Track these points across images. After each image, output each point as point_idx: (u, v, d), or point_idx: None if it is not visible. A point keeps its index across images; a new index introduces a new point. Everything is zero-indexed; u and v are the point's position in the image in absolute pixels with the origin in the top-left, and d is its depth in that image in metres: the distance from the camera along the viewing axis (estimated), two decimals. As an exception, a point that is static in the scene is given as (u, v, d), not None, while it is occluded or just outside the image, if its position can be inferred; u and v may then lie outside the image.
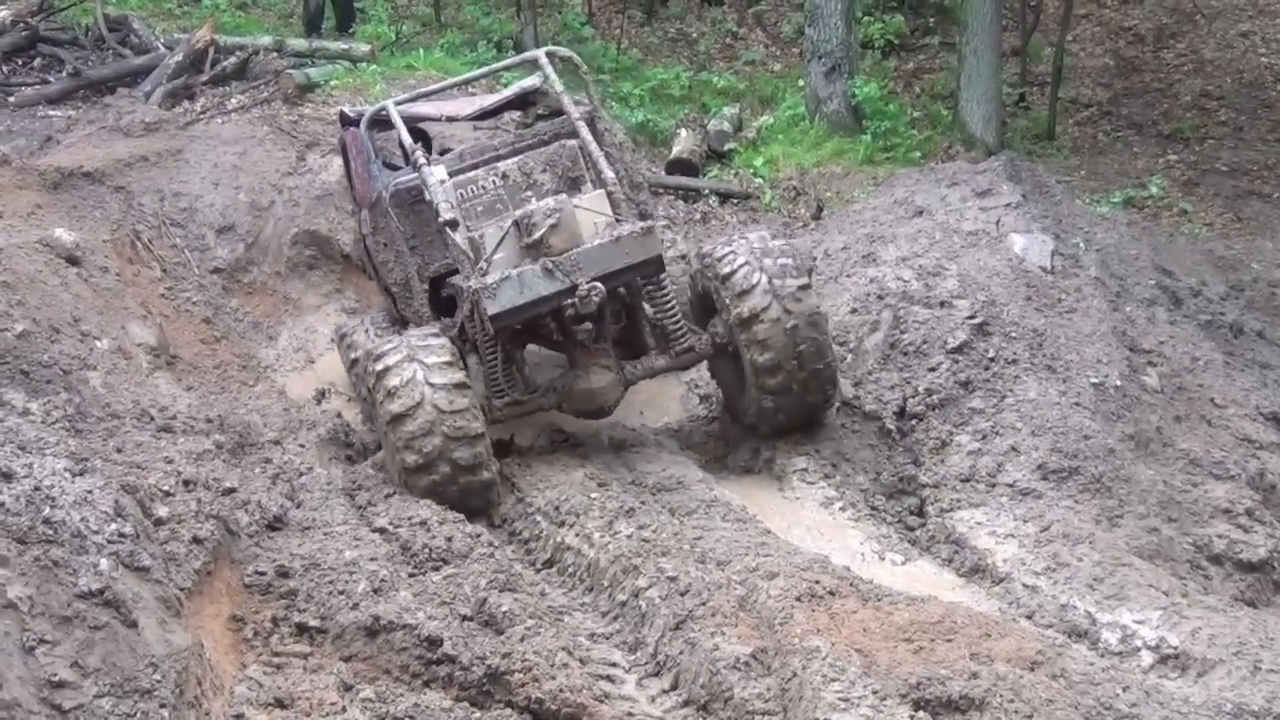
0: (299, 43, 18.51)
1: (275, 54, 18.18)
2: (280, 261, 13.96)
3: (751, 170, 16.97)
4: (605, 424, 10.76)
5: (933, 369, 10.58)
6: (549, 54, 11.31)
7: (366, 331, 11.55)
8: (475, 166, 10.71)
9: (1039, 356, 10.71)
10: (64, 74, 17.73)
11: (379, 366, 9.56)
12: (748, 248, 10.17)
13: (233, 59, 17.81)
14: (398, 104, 11.25)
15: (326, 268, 14.01)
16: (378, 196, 11.11)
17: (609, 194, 10.20)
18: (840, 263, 12.26)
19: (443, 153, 11.55)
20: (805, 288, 10.04)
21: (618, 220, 10.02)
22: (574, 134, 10.67)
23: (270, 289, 13.83)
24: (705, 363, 10.80)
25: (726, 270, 10.09)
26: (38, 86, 17.55)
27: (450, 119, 12.07)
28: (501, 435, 10.97)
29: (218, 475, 8.74)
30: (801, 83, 18.21)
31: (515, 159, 10.59)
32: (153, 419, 9.85)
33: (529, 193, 10.33)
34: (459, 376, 9.49)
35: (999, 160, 13.72)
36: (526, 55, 11.84)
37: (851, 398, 10.55)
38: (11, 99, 17.20)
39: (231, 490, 8.59)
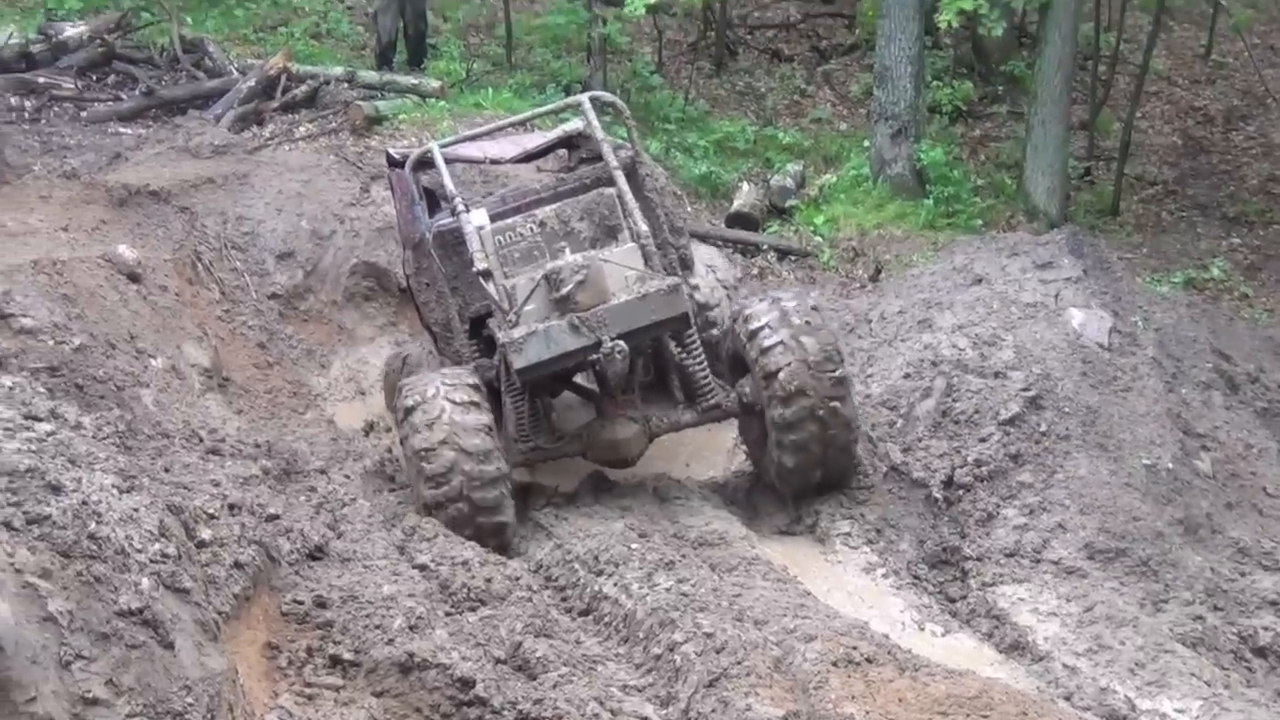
0: (370, 75, 18.64)
1: (346, 84, 18.32)
2: (337, 291, 14.04)
3: (812, 228, 16.96)
4: (649, 475, 10.75)
5: (983, 440, 10.52)
6: (593, 98, 11.45)
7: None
8: (515, 211, 10.81)
9: (1091, 434, 10.63)
10: (137, 92, 17.92)
11: (409, 401, 9.77)
12: (775, 307, 10.22)
13: (304, 87, 17.96)
14: (443, 146, 11.35)
15: (383, 300, 14.09)
16: (420, 237, 11.22)
17: (641, 247, 10.26)
18: (895, 326, 12.22)
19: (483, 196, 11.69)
20: (830, 348, 10.06)
21: (648, 273, 10.07)
22: (613, 181, 10.72)
23: (326, 318, 13.91)
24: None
25: (753, 328, 10.16)
26: (111, 103, 17.73)
27: (494, 161, 12.25)
28: (543, 481, 10.98)
29: (262, 501, 8.76)
30: (867, 143, 18.18)
31: (553, 206, 10.66)
32: (202, 440, 9.90)
33: (564, 242, 10.40)
34: (484, 420, 9.67)
35: (1061, 233, 13.65)
36: (571, 100, 11.94)
37: (899, 463, 10.50)
38: (84, 114, 17.38)
39: (275, 517, 8.61)
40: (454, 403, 9.67)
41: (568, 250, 10.22)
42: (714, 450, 11.55)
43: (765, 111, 20.47)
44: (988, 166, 18.66)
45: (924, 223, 16.70)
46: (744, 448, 10.99)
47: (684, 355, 10.49)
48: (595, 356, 9.81)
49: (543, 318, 9.84)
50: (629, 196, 10.57)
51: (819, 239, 16.67)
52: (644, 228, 10.37)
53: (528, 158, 12.30)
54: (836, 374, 10.01)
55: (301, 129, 17.21)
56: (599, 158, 11.19)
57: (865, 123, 18.99)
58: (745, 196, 17.25)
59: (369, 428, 12.06)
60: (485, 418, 9.69)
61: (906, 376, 11.23)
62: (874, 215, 16.92)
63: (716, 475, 11.23)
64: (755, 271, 15.75)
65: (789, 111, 20.80)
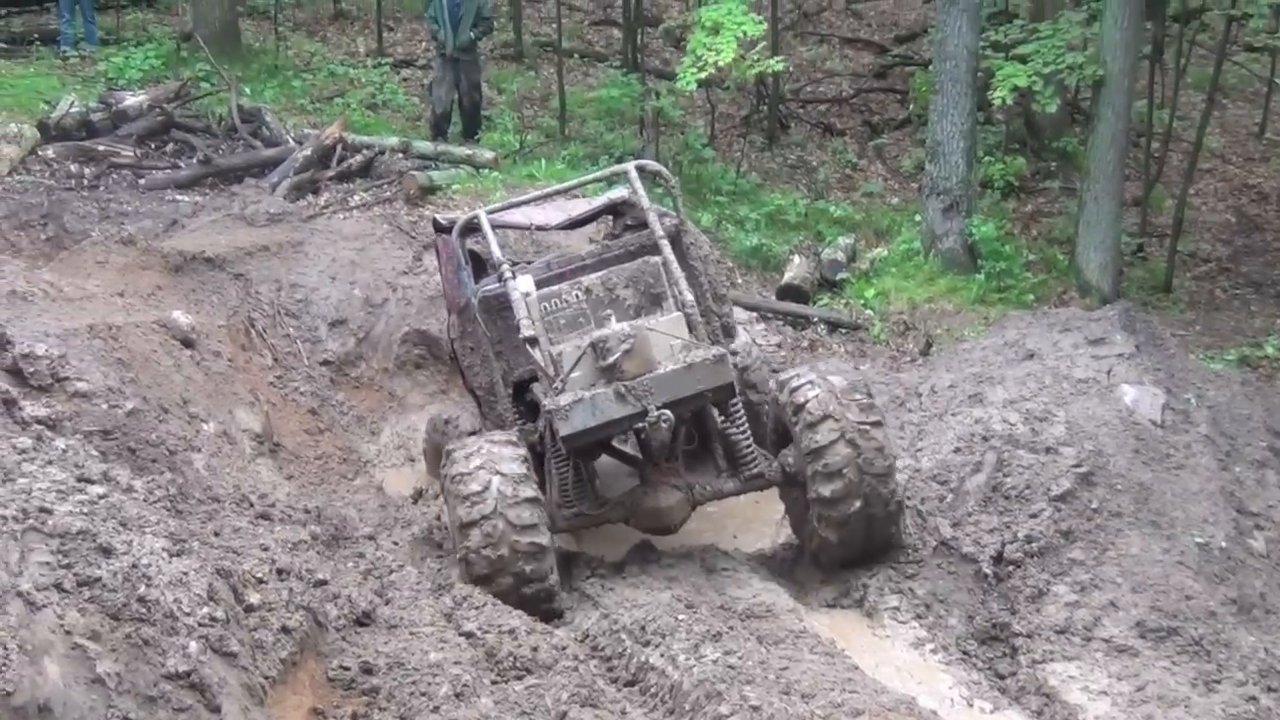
0: (424, 145, 18.84)
1: (400, 155, 18.52)
2: (389, 358, 14.13)
3: (862, 301, 16.96)
4: (697, 546, 10.71)
5: (1034, 515, 10.43)
6: (638, 166, 11.55)
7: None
8: (561, 278, 10.87)
9: (1144, 511, 10.53)
10: (195, 160, 18.17)
11: (455, 470, 9.77)
12: (822, 382, 10.20)
13: (359, 157, 18.17)
14: (490, 212, 11.46)
15: (434, 368, 14.15)
16: (466, 302, 11.30)
17: (686, 316, 10.29)
18: (946, 400, 12.16)
19: (529, 261, 11.76)
20: (876, 425, 10.04)
21: (693, 342, 10.10)
22: (659, 250, 10.78)
23: (377, 385, 13.99)
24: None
25: (799, 402, 10.14)
26: (168, 171, 17.97)
27: (540, 228, 12.34)
28: (589, 551, 10.96)
29: (311, 566, 8.76)
30: (918, 218, 18.21)
31: (599, 273, 10.70)
32: (252, 505, 9.93)
33: (610, 309, 10.43)
34: (532, 491, 9.68)
35: (1114, 309, 13.59)
36: (617, 168, 12.03)
37: (949, 538, 10.42)
38: (142, 181, 17.62)
39: (323, 582, 8.62)
40: (502, 475, 9.68)
41: (613, 318, 10.27)
42: (762, 521, 11.50)
43: (817, 185, 20.55)
44: (1040, 242, 18.64)
45: (975, 297, 16.68)
46: (787, 517, 10.95)
47: (727, 423, 10.50)
48: (641, 425, 9.83)
49: (588, 385, 9.86)
50: (674, 265, 10.63)
51: (870, 312, 16.68)
52: (689, 296, 10.41)
53: (573, 224, 12.40)
54: (882, 453, 9.98)
55: (356, 198, 17.40)
56: (644, 225, 11.26)
57: (917, 197, 19.05)
58: (796, 269, 17.28)
59: (418, 495, 12.08)
60: (532, 490, 9.71)
61: (957, 451, 11.16)
62: (925, 289, 16.92)
63: (764, 547, 11.17)
64: (806, 344, 15.75)
65: (840, 185, 20.89)
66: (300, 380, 13.43)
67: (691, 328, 10.27)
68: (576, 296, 10.55)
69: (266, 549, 8.58)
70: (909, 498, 10.64)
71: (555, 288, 10.62)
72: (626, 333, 9.90)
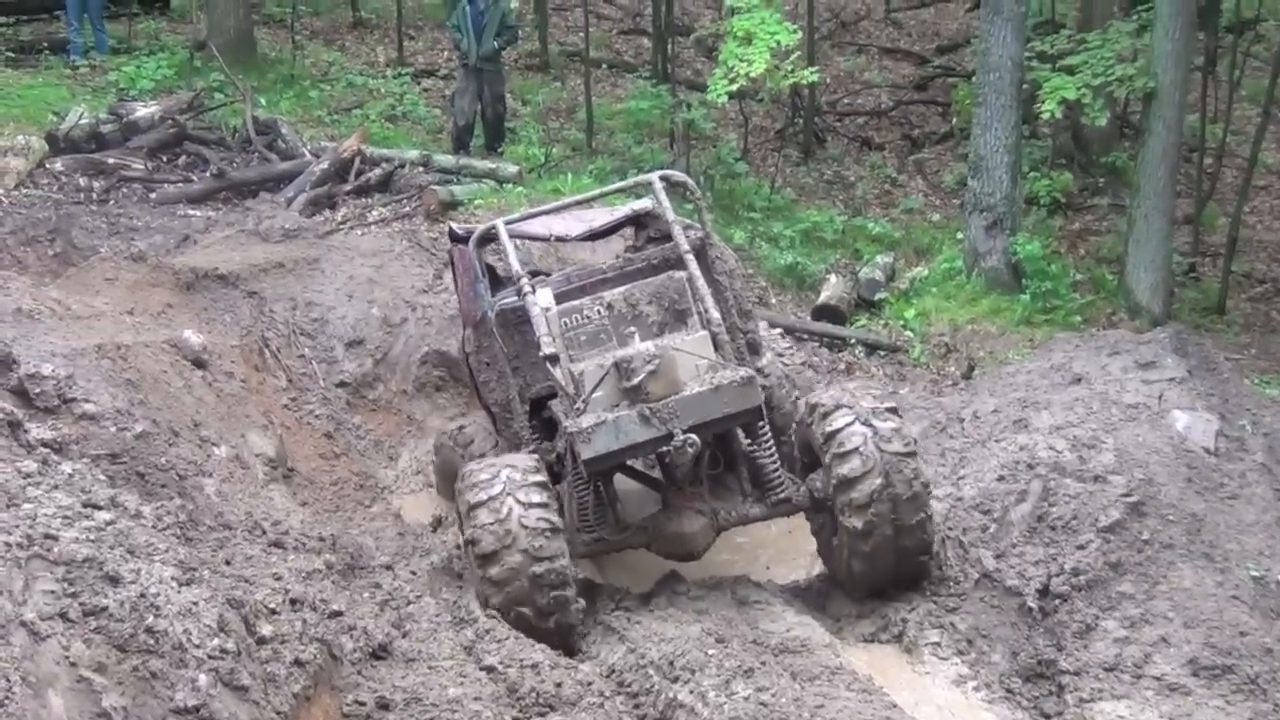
0: (446, 159, 18.89)
1: (421, 168, 18.56)
2: (408, 380, 14.16)
3: (902, 322, 16.94)
4: (728, 577, 10.69)
5: (1081, 547, 10.36)
6: (663, 177, 11.57)
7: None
8: (581, 291, 10.94)
9: (1196, 543, 10.46)
10: (208, 174, 18.25)
11: (473, 497, 9.76)
12: (854, 408, 10.20)
13: (378, 170, 18.23)
14: (509, 223, 11.51)
15: (454, 390, 14.17)
16: (482, 316, 11.37)
17: (712, 335, 10.31)
18: (989, 426, 12.12)
19: (548, 274, 11.80)
20: (910, 455, 10.02)
21: (720, 363, 10.12)
22: (683, 264, 10.79)
23: (395, 408, 14.02)
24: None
25: (830, 429, 10.14)
26: (180, 185, 18.05)
27: (560, 239, 12.41)
28: (614, 581, 10.94)
29: (325, 596, 8.76)
30: (960, 235, 18.18)
31: (621, 288, 10.74)
32: (264, 532, 9.93)
33: (633, 326, 10.47)
34: (553, 519, 9.66)
35: (1165, 332, 13.52)
36: (640, 178, 12.10)
37: (992, 570, 10.36)
38: (154, 195, 17.69)
39: (338, 614, 8.61)
40: (521, 503, 9.68)
41: (636, 335, 10.31)
42: (796, 552, 11.47)
43: (854, 201, 20.55)
44: (1087, 261, 18.59)
45: (1020, 319, 16.64)
46: (818, 544, 10.93)
47: (754, 447, 10.50)
48: (665, 449, 9.85)
49: (611, 406, 9.90)
50: (700, 281, 10.65)
51: (909, 334, 16.65)
52: (716, 314, 10.46)
53: (594, 236, 12.46)
54: (915, 486, 9.97)
55: (374, 213, 17.45)
56: (667, 237, 11.30)
57: (958, 214, 19.02)
58: (833, 289, 17.27)
59: (437, 523, 12.09)
60: (553, 517, 9.70)
61: (1000, 479, 11.11)
62: (967, 310, 16.88)
63: (798, 578, 11.13)
64: (842, 366, 15.72)
65: (879, 201, 20.88)
66: (315, 403, 13.46)
67: (718, 347, 10.31)
68: (598, 312, 10.58)
69: (279, 578, 8.58)
70: (950, 528, 10.60)
71: (576, 302, 10.65)
72: (652, 353, 9.92)
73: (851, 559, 10.16)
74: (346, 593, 9.37)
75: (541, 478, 9.93)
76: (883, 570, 10.17)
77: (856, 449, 10.00)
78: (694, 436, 9.80)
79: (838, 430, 10.12)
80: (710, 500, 10.46)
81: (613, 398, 9.96)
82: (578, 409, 9.94)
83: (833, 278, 17.57)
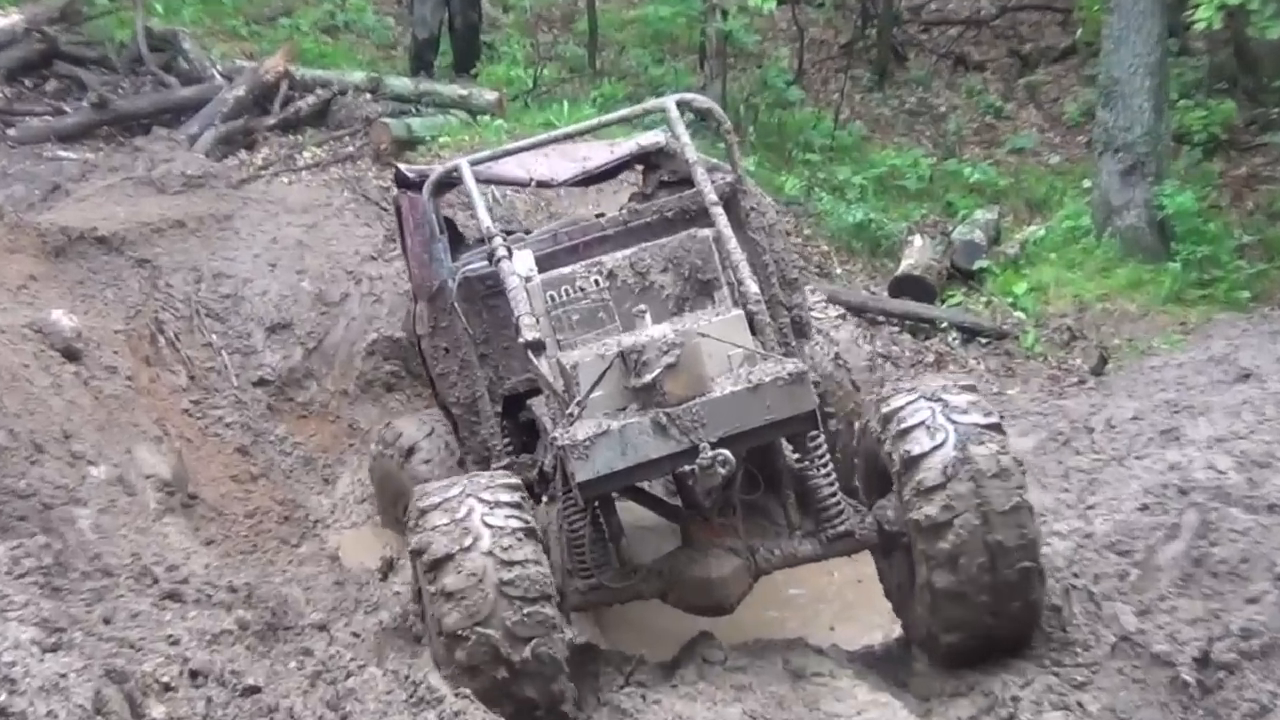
0: (401, 83, 18.86)
1: (368, 96, 18.55)
2: (349, 377, 14.17)
3: (1010, 300, 16.89)
4: (777, 639, 10.61)
5: (1253, 600, 10.25)
6: (680, 102, 11.43)
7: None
8: (574, 254, 10.91)
9: None
10: (85, 103, 18.20)
11: (426, 524, 9.57)
12: (932, 404, 10.01)
13: (311, 99, 18.21)
14: (475, 163, 11.37)
15: (411, 389, 14.17)
16: (439, 286, 11.33)
17: (750, 315, 10.19)
18: (1128, 439, 12.07)
19: (528, 231, 11.75)
20: (1017, 489, 9.84)
21: (760, 353, 9.97)
22: (708, 218, 10.72)
23: (332, 414, 14.02)
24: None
25: (912, 451, 9.89)
26: (48, 118, 18.03)
27: (543, 184, 12.29)
28: (623, 645, 10.87)
29: (238, 667, 8.69)
30: (1088, 183, 18.13)
31: (626, 251, 10.64)
32: (156, 580, 9.89)
33: (642, 303, 10.33)
34: (535, 555, 9.47)
35: (1364, 313, 13.47)
36: (651, 104, 11.97)
37: (1133, 631, 10.27)
38: (11, 131, 17.64)
39: (254, 690, 8.52)
40: (486, 501, 9.58)
41: (647, 315, 10.14)
42: (868, 607, 11.39)
43: (946, 139, 20.54)
44: (1257, 218, 18.49)
45: (1168, 294, 16.56)
46: (888, 595, 10.83)
47: (804, 463, 10.35)
48: (689, 468, 9.68)
49: (615, 410, 9.73)
50: (732, 242, 10.53)
51: (1020, 315, 16.60)
52: (753, 286, 10.34)
53: (589, 179, 12.40)
54: (1022, 527, 9.81)
55: (307, 155, 17.45)
56: (686, 182, 11.22)
57: (1085, 156, 18.97)
58: (917, 255, 17.23)
59: (387, 567, 12.04)
60: (536, 553, 9.54)
61: (1144, 509, 11.02)
62: (1097, 283, 16.82)
63: (872, 643, 11.07)
64: (930, 358, 15.66)
65: (979, 139, 20.86)
66: (226, 407, 13.44)
67: (756, 330, 10.16)
68: (595, 283, 10.48)
69: (176, 642, 8.53)
70: (1076, 574, 10.52)
71: (566, 270, 10.54)
72: (670, 340, 9.70)
73: (934, 615, 10.00)
74: (266, 662, 9.30)
75: (519, 498, 9.80)
76: (976, 629, 10.02)
77: (944, 484, 9.83)
78: (726, 452, 9.58)
79: (922, 455, 9.93)
80: (746, 535, 10.33)
81: (616, 398, 9.79)
82: (570, 414, 9.77)
83: (917, 240, 17.53)
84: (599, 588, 10.26)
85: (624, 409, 9.66)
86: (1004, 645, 10.15)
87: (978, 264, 17.49)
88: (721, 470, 9.51)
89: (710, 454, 9.45)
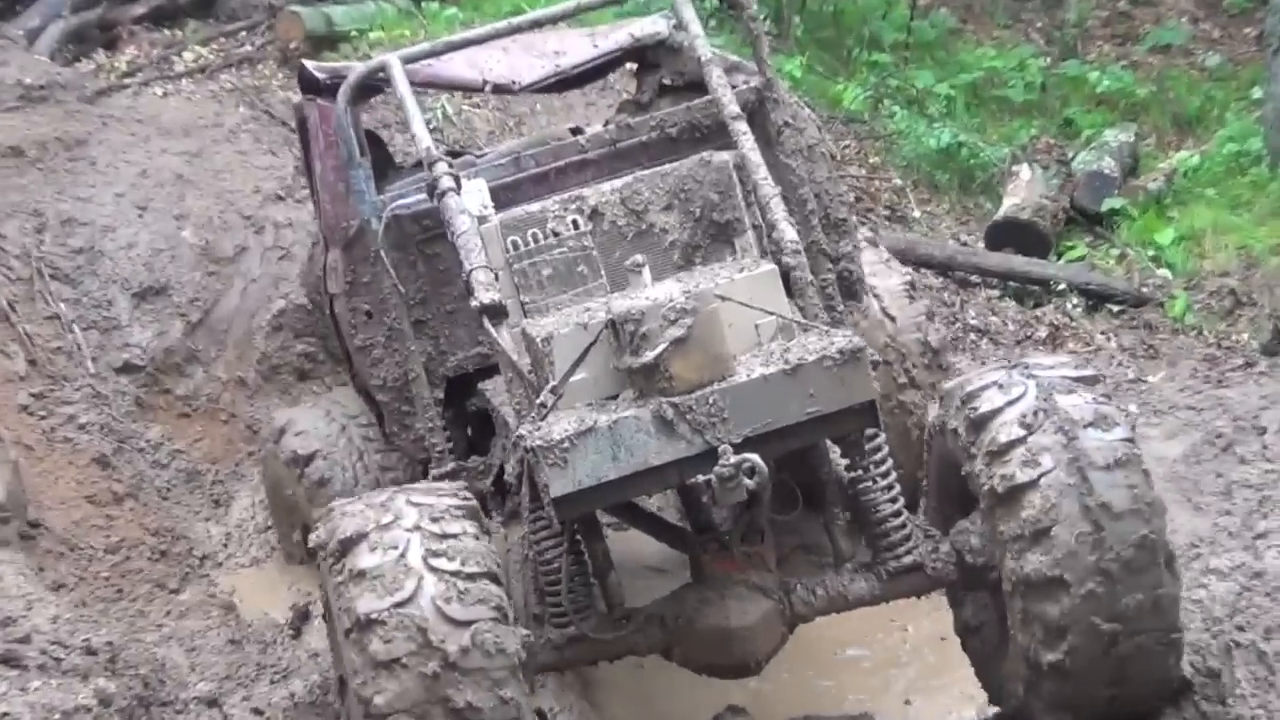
0: (317, -44, 18.90)
1: (272, -25, 18.59)
2: (247, 361, 14.21)
3: (1152, 253, 16.92)
4: (834, 715, 10.65)
5: None
6: None
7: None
8: (542, 185, 10.97)
9: None
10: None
11: (350, 566, 9.44)
12: (1031, 387, 9.91)
13: (193, -20, 18.23)
14: (408, 61, 11.23)
15: (333, 378, 14.15)
16: (359, 228, 11.24)
17: (787, 270, 10.13)
18: (1313, 443, 12.13)
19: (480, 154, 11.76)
20: (1147, 504, 9.81)
21: (799, 321, 9.89)
22: (726, 137, 10.73)
23: (225, 411, 14.07)
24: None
25: (999, 441, 9.77)
26: None
27: (501, 89, 12.13)
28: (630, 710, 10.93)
29: (98, 756, 8.79)
30: (1258, 93, 18.14)
31: (616, 182, 10.63)
32: (-14, 639, 9.96)
33: (636, 248, 10.30)
34: (489, 563, 9.36)
35: None
36: None
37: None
38: None
39: (120, 788, 8.63)
40: (431, 534, 9.47)
41: (646, 270, 10.05)
42: (955, 674, 11.45)
43: (1064, 32, 20.54)
44: None
45: (1368, 246, 16.61)
46: (967, 649, 10.82)
47: (858, 472, 10.26)
48: (703, 478, 9.60)
49: (601, 398, 9.67)
50: (762, 171, 10.46)
51: (1165, 273, 16.63)
52: (790, 232, 10.25)
53: (564, 83, 12.27)
54: (1150, 550, 9.79)
55: (187, 56, 17.48)
56: (697, 88, 11.25)
57: (1252, 56, 18.98)
58: (1025, 192, 17.26)
59: (300, 619, 12.06)
60: (494, 589, 9.47)
61: (1345, 550, 11.11)
62: (1271, 229, 16.83)
63: (972, 715, 11.13)
64: (1042, 332, 15.69)
65: (1109, 32, 20.89)
66: (80, 402, 13.47)
67: (795, 291, 10.12)
68: (574, 224, 10.42)
69: (14, 724, 8.60)
70: (1240, 626, 10.56)
71: (534, 207, 10.51)
72: (678, 305, 9.61)
73: (1039, 677, 9.98)
74: (136, 749, 9.39)
75: (470, 517, 9.69)
76: (1094, 694, 10.01)
77: (1038, 481, 9.74)
78: (754, 458, 9.42)
79: (1010, 445, 9.82)
80: (778, 569, 10.28)
81: (605, 384, 9.68)
82: (542, 404, 9.71)
83: (1025, 172, 17.54)
84: (579, 639, 10.04)
85: (615, 397, 9.58)
86: (1130, 704, 10.17)
87: (1107, 204, 17.52)
88: (748, 482, 9.32)
89: (733, 460, 9.27)
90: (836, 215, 11.43)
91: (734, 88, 10.81)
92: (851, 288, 11.39)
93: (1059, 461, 9.44)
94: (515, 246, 10.19)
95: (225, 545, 13.21)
